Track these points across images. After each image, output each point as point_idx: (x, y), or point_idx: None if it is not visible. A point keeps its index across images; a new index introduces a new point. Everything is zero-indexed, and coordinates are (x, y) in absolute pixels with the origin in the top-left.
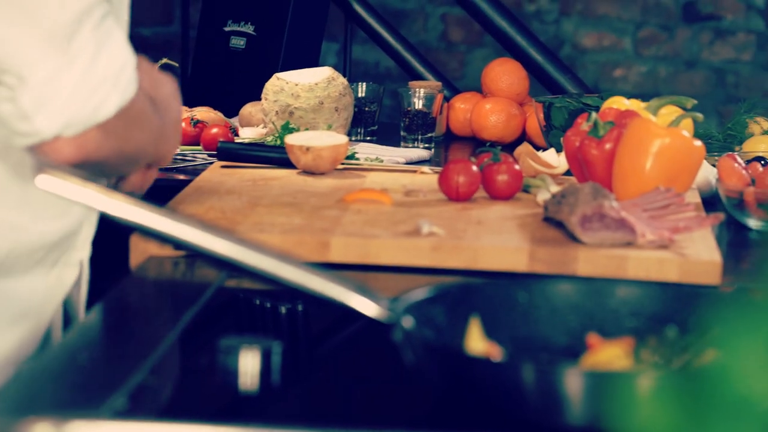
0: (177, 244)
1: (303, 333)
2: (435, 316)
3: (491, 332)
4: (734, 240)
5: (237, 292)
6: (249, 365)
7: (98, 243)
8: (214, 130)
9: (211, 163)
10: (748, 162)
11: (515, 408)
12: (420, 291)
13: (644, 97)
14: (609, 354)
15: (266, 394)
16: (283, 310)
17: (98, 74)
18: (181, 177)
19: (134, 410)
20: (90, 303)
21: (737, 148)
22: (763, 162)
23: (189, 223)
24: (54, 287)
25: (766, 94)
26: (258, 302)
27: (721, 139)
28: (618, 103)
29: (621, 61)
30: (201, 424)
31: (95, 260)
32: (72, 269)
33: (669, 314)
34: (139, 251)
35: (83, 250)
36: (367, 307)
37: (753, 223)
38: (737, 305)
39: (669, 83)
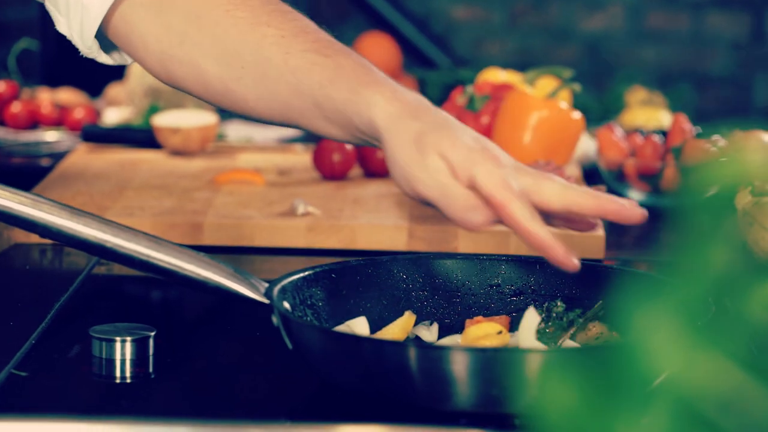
0: (44, 231)
1: (177, 320)
2: (314, 297)
3: (371, 313)
4: None
5: (108, 279)
6: (123, 354)
7: None
8: (78, 112)
9: (75, 147)
10: (627, 133)
11: (401, 391)
12: (297, 273)
13: (519, 69)
14: (483, 330)
15: (142, 384)
16: (155, 296)
17: None
18: (45, 162)
19: (5, 404)
20: None
21: (616, 119)
22: (642, 133)
23: (56, 209)
24: None
25: (641, 65)
26: (129, 289)
27: (599, 110)
28: (493, 75)
29: (493, 34)
30: (74, 418)
31: None
32: None
33: (553, 289)
34: (3, 240)
35: None
36: (244, 290)
37: (634, 195)
38: (633, 280)
39: (543, 56)
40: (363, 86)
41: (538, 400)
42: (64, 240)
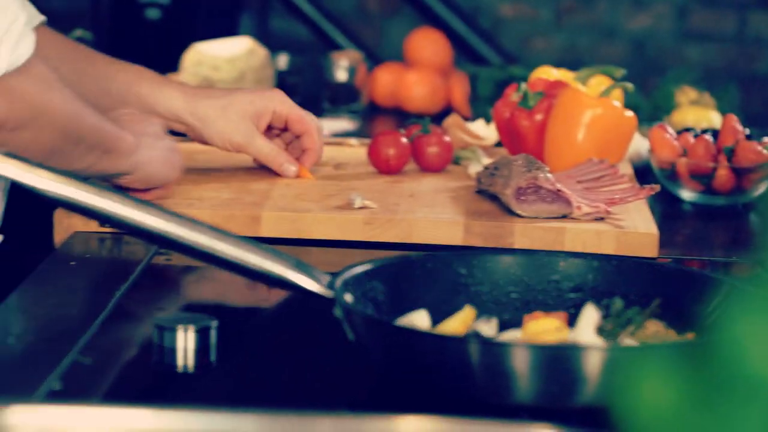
0: (105, 218)
1: (239, 310)
2: (375, 291)
3: (431, 307)
4: (667, 212)
5: (167, 269)
6: (186, 344)
7: (19, 220)
8: None
9: None
10: (678, 133)
11: (460, 385)
12: (359, 266)
13: (566, 67)
14: (542, 326)
15: (203, 373)
16: (217, 286)
17: None
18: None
19: (69, 392)
20: (14, 282)
21: (665, 119)
22: (693, 133)
23: (118, 197)
24: None
25: (687, 64)
26: (191, 279)
27: (649, 109)
28: (546, 73)
29: (540, 31)
30: (137, 406)
31: (17, 238)
32: None
33: (611, 287)
34: (64, 227)
35: None
36: (307, 282)
37: (685, 194)
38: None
39: (589, 54)
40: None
41: (601, 396)
42: (127, 229)
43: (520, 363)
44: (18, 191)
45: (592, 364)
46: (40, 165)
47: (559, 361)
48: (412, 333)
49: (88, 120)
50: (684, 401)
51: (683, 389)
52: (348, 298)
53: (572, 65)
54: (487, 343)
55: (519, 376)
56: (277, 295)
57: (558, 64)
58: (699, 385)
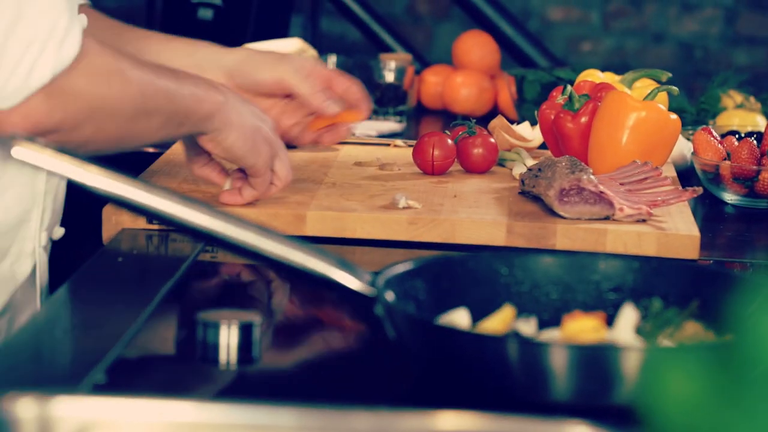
0: (154, 215)
1: (283, 307)
2: (416, 289)
3: (472, 306)
4: (710, 214)
5: (213, 266)
6: (229, 340)
7: (70, 216)
8: None
9: None
10: (722, 136)
11: (499, 383)
12: (401, 265)
13: (613, 71)
14: (581, 326)
15: (246, 369)
16: (262, 284)
17: (22, 38)
18: (151, 150)
19: (114, 385)
20: (63, 276)
21: (711, 122)
22: (737, 136)
23: (167, 195)
24: (6, 280)
25: (734, 68)
26: (236, 275)
27: (693, 112)
28: (592, 76)
29: (588, 35)
30: (182, 399)
31: (70, 233)
32: (25, 260)
33: (650, 288)
34: (112, 224)
35: (36, 240)
36: (349, 281)
37: (728, 197)
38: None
39: (636, 57)
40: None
41: (638, 395)
42: (175, 225)
43: (558, 362)
44: (75, 186)
45: (628, 364)
46: (92, 160)
47: (595, 361)
48: (452, 332)
49: (160, 91)
50: (716, 402)
51: (716, 390)
52: (389, 296)
53: (619, 69)
54: (525, 342)
55: (556, 374)
56: (321, 293)
57: (605, 68)
58: (732, 386)
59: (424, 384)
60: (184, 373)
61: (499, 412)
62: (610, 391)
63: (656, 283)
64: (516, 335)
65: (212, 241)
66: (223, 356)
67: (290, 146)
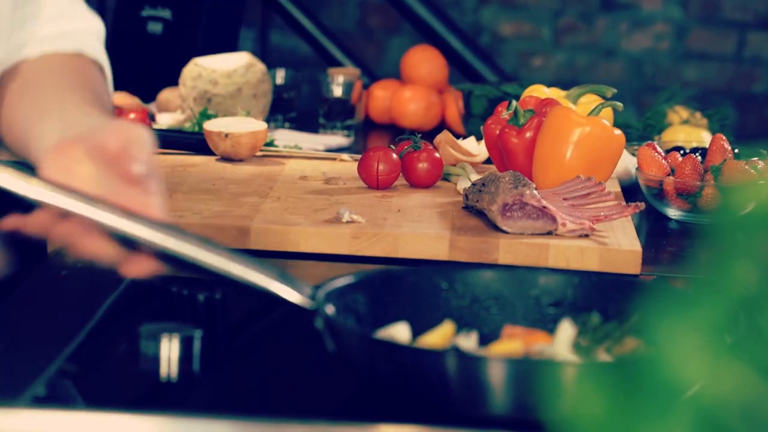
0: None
1: (222, 320)
2: (357, 303)
3: (412, 320)
4: (653, 229)
5: (156, 280)
6: (169, 352)
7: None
8: (131, 116)
9: None
10: (667, 151)
11: (437, 397)
12: (342, 278)
13: (563, 85)
14: (509, 346)
15: (187, 381)
16: (202, 297)
17: None
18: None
19: (53, 398)
20: (7, 290)
21: (656, 138)
22: (682, 152)
23: (108, 207)
24: None
25: (684, 83)
26: (177, 290)
27: (640, 128)
28: (538, 91)
29: (539, 50)
30: (120, 412)
31: (10, 247)
32: None
33: (590, 302)
34: None
35: None
36: (289, 293)
37: (672, 212)
38: (664, 294)
39: (587, 72)
40: None
41: (570, 410)
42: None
43: (495, 376)
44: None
45: (563, 378)
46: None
47: (531, 375)
48: (391, 345)
49: None
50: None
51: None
52: (329, 309)
53: (570, 84)
54: (462, 356)
55: (494, 388)
56: (261, 307)
57: (556, 83)
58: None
59: (363, 397)
60: (125, 385)
61: (437, 425)
62: (546, 405)
63: (596, 298)
64: (455, 350)
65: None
66: (163, 369)
67: (234, 159)
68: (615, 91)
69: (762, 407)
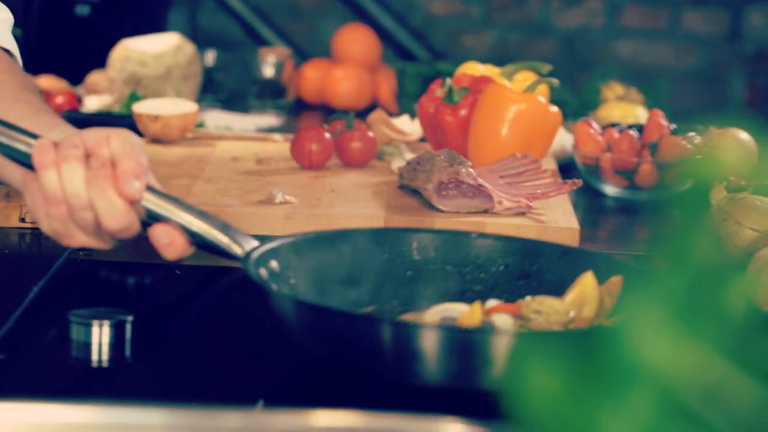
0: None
1: (156, 304)
2: (297, 267)
3: (347, 282)
4: (590, 207)
5: (86, 264)
6: (101, 338)
7: None
8: (59, 99)
9: None
10: (603, 128)
11: (371, 364)
12: (280, 240)
13: (496, 63)
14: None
15: (119, 368)
16: (132, 281)
17: None
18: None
19: None
20: None
21: (591, 114)
22: (618, 128)
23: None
24: None
25: (617, 60)
26: (107, 274)
27: (575, 105)
28: (472, 68)
29: (471, 28)
30: (50, 400)
31: None
32: None
33: (527, 272)
34: None
35: None
36: (230, 245)
37: (609, 189)
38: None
39: (520, 50)
40: None
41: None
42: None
43: (428, 344)
44: None
45: (497, 348)
46: None
47: (465, 344)
48: (327, 311)
49: None
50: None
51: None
52: (264, 272)
53: (503, 62)
54: (396, 324)
55: (427, 357)
56: (195, 289)
57: (488, 61)
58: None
59: (301, 376)
60: (55, 373)
61: (373, 407)
62: (483, 376)
63: (537, 267)
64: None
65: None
66: (95, 355)
67: (165, 141)
68: (550, 67)
69: (718, 384)
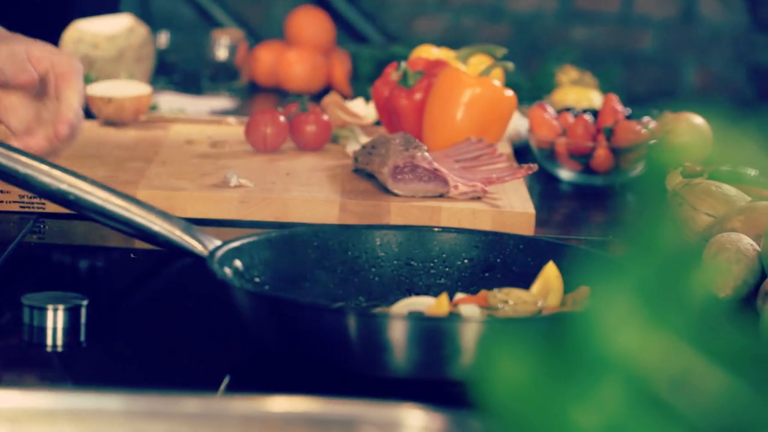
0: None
1: (111, 289)
2: (260, 263)
3: (312, 280)
4: (545, 191)
5: (39, 248)
6: (55, 323)
7: None
8: None
9: None
10: (558, 112)
11: (337, 357)
12: (245, 237)
13: (449, 47)
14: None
15: (73, 352)
16: (89, 265)
17: None
18: None
19: None
20: None
21: (546, 98)
22: (573, 112)
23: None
24: None
25: (571, 44)
26: (59, 257)
27: (529, 89)
28: (427, 52)
29: (424, 11)
30: (5, 385)
31: None
32: None
33: (492, 264)
34: None
35: None
36: (194, 245)
37: (564, 174)
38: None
39: (473, 34)
40: None
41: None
42: (24, 185)
43: (395, 335)
44: None
45: (464, 336)
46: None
47: (431, 333)
48: (292, 304)
49: None
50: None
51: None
52: (229, 270)
53: (456, 45)
54: (363, 315)
55: (394, 347)
56: (151, 273)
57: (442, 44)
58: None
59: (261, 363)
60: (8, 358)
61: (333, 394)
62: (449, 365)
63: (502, 257)
64: (351, 308)
65: (63, 201)
66: (49, 340)
67: (118, 124)
68: (505, 51)
69: (685, 372)
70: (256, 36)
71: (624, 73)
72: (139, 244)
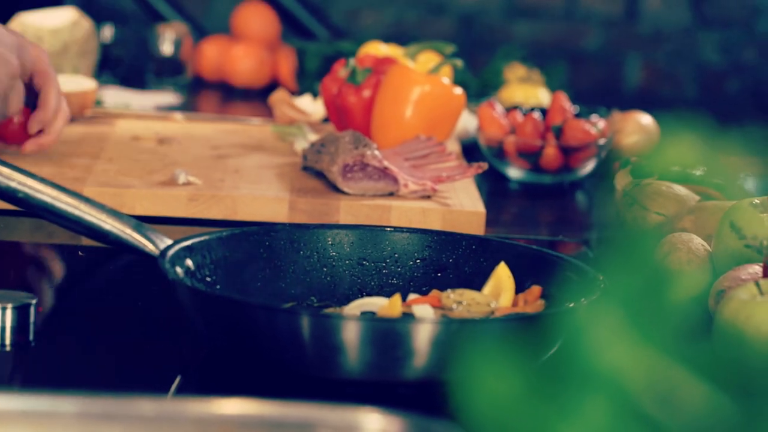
0: None
1: (60, 287)
2: (210, 262)
3: (264, 280)
4: (494, 189)
5: None
6: (3, 322)
7: None
8: None
9: None
10: (507, 110)
11: (287, 359)
12: (195, 236)
13: (394, 42)
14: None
15: (22, 352)
16: (38, 263)
17: None
18: None
19: None
20: None
21: (494, 96)
22: (522, 110)
23: None
24: None
25: (515, 41)
26: (7, 255)
27: (476, 86)
28: (375, 49)
29: (368, 6)
30: None
31: None
32: None
33: (444, 264)
34: None
35: None
36: (145, 244)
37: (513, 172)
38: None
39: (417, 29)
40: None
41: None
42: None
43: (349, 336)
44: None
45: (419, 337)
46: None
47: (385, 335)
48: (244, 305)
49: None
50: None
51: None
52: (180, 271)
53: (400, 40)
54: (316, 315)
55: (348, 349)
56: (99, 273)
57: (386, 39)
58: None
59: (212, 364)
60: None
61: (284, 397)
62: (402, 366)
63: (456, 257)
64: (305, 308)
65: (11, 199)
66: None
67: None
68: (454, 48)
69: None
70: (200, 30)
71: (569, 71)
72: (87, 241)
